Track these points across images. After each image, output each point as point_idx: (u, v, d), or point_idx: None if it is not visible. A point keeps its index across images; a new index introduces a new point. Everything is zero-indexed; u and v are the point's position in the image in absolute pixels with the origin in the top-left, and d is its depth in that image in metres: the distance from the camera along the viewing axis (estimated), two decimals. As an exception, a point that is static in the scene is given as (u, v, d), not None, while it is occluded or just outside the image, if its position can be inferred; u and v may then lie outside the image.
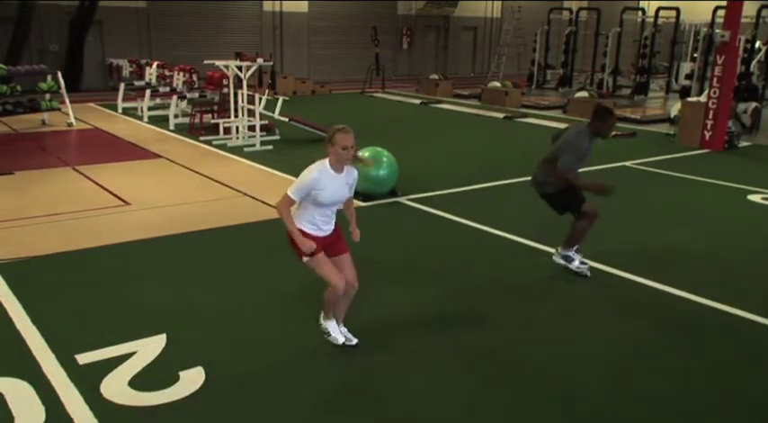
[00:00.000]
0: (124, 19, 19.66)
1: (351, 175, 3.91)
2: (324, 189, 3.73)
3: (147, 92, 13.57)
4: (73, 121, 12.50)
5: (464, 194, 8.05)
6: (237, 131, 11.11)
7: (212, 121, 11.91)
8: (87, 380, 3.67)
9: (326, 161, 3.81)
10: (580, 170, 5.26)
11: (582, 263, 5.45)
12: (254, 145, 10.65)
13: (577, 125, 5.38)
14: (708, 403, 3.66)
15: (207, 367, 3.83)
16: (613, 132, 12.62)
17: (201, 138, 11.30)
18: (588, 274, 5.40)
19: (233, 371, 3.84)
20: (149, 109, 13.53)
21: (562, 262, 5.48)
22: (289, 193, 3.74)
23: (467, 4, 27.16)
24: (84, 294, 4.87)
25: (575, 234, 5.38)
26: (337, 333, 4.11)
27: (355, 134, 3.81)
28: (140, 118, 13.48)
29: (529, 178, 5.66)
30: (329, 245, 3.93)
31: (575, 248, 5.45)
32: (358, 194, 7.59)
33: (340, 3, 23.54)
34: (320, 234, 3.87)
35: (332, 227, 3.94)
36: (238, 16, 21.92)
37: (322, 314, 4.14)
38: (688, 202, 8.04)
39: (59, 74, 12.53)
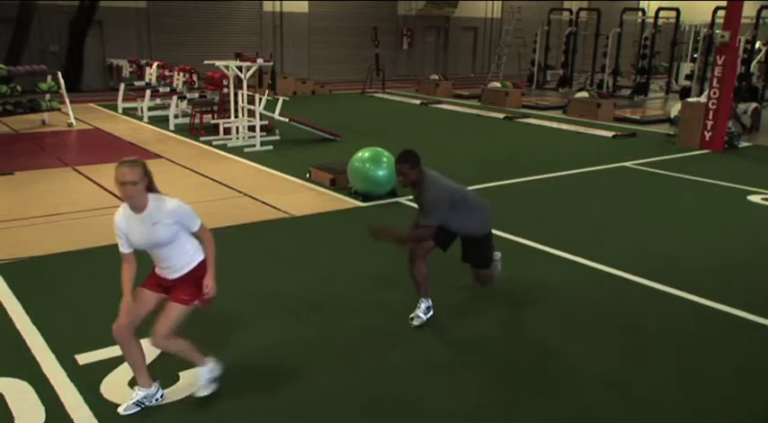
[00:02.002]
0: (124, 19, 19.66)
1: (159, 213, 3.23)
2: (129, 234, 3.27)
3: (148, 92, 13.56)
4: (73, 121, 12.50)
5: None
6: (237, 132, 11.11)
7: (212, 122, 11.91)
8: (87, 380, 3.67)
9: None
10: None
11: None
12: (254, 145, 10.65)
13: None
14: (708, 404, 3.66)
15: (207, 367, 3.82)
16: (613, 133, 12.72)
17: (201, 138, 11.30)
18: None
19: (233, 371, 3.84)
20: (149, 109, 13.53)
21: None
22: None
23: (467, 4, 27.16)
24: (84, 294, 4.87)
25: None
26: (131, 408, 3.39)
27: (141, 169, 3.17)
28: (140, 118, 13.49)
29: (530, 178, 5.64)
30: (170, 287, 3.42)
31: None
32: (358, 194, 7.61)
33: (340, 3, 23.55)
34: (161, 275, 3.42)
35: (171, 273, 3.37)
36: (238, 16, 21.92)
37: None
38: (688, 203, 8.04)
39: (59, 74, 12.53)
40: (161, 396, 3.51)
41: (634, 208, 7.66)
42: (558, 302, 4.96)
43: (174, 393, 3.58)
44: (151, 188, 3.27)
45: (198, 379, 3.53)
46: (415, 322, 4.46)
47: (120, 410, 3.38)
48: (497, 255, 5.00)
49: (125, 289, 3.33)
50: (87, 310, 4.62)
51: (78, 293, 4.89)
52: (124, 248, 3.33)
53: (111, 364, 3.83)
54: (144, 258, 3.39)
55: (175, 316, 3.34)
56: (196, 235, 3.43)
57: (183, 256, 3.37)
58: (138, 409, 3.40)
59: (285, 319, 4.57)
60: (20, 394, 3.53)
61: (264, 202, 7.40)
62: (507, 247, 6.16)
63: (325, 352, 4.09)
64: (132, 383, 3.56)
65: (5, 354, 3.98)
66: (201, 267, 3.42)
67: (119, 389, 3.58)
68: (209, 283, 3.39)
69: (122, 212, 3.29)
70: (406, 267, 4.56)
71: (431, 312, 4.56)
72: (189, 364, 3.83)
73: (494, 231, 6.49)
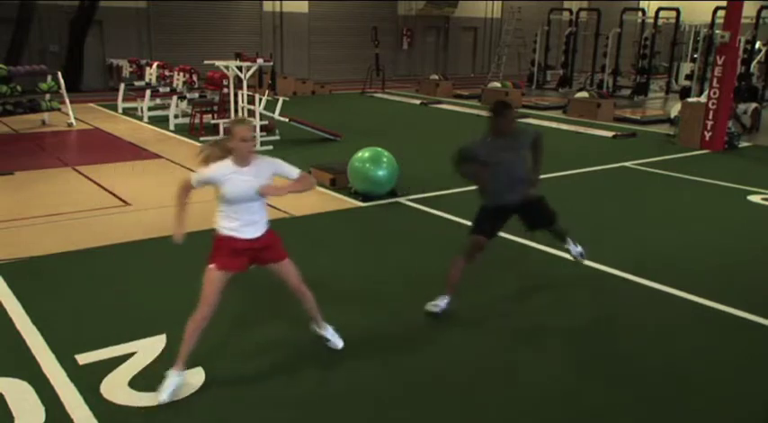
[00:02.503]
0: (124, 19, 19.66)
1: (261, 168, 3.62)
2: (226, 184, 3.55)
3: (148, 92, 13.56)
4: (73, 121, 12.50)
5: (464, 195, 8.03)
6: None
7: (212, 122, 11.91)
8: (87, 380, 3.67)
9: (229, 158, 3.60)
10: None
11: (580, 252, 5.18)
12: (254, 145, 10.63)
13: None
14: (708, 404, 3.66)
15: (207, 367, 3.83)
16: (613, 133, 12.72)
17: (202, 138, 11.29)
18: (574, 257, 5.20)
19: (233, 371, 3.84)
20: (149, 109, 13.53)
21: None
22: (190, 177, 3.68)
23: (467, 4, 27.16)
24: (85, 294, 4.87)
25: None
26: (169, 390, 3.50)
27: (252, 126, 3.65)
28: (140, 118, 13.49)
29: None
30: (260, 250, 3.69)
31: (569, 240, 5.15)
32: (358, 194, 7.61)
33: (340, 3, 23.54)
34: (243, 237, 3.62)
35: (258, 229, 3.67)
36: (238, 16, 21.92)
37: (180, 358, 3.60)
38: (688, 203, 8.04)
39: (59, 74, 12.53)
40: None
41: (634, 208, 7.66)
42: (557, 302, 4.96)
43: (174, 393, 3.58)
44: None
45: (329, 335, 4.02)
46: (431, 308, 4.58)
47: (163, 397, 3.46)
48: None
49: (179, 211, 3.78)
50: (87, 310, 4.62)
51: (78, 293, 4.89)
52: (195, 182, 3.67)
53: (111, 364, 3.83)
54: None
55: (293, 268, 3.80)
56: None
57: (265, 209, 3.71)
58: (174, 391, 3.51)
59: (284, 319, 4.57)
60: (20, 394, 3.53)
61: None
62: (507, 248, 6.17)
63: (324, 352, 4.09)
64: (132, 383, 3.57)
65: (5, 354, 3.98)
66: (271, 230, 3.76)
67: (119, 389, 3.58)
68: (272, 188, 3.66)
69: (226, 165, 3.57)
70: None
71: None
72: (189, 364, 3.83)
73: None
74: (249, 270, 3.79)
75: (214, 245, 3.66)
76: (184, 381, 3.60)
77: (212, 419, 3.40)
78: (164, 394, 3.47)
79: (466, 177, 4.73)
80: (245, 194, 3.57)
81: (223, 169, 3.57)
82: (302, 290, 3.87)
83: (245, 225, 3.63)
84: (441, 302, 4.60)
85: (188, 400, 3.54)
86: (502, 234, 6.46)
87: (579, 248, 5.20)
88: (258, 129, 10.65)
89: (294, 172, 3.74)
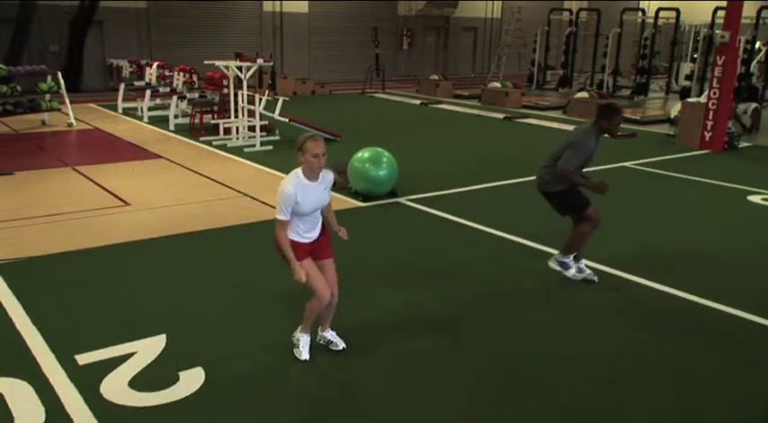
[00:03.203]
0: (124, 19, 19.67)
1: (326, 179, 3.83)
2: (302, 201, 3.68)
3: (148, 92, 13.57)
4: (73, 121, 12.50)
5: (464, 195, 8.05)
6: (237, 132, 11.11)
7: (212, 122, 11.92)
8: (87, 380, 3.67)
9: (299, 171, 3.75)
10: (587, 170, 5.23)
11: (579, 270, 5.34)
12: (254, 145, 10.65)
13: (584, 124, 5.28)
14: (708, 404, 3.66)
15: (207, 367, 3.83)
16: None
17: (201, 138, 11.30)
18: (595, 279, 5.31)
19: (233, 371, 3.84)
20: (149, 109, 13.54)
21: (557, 268, 5.37)
22: (277, 217, 3.72)
23: (467, 4, 27.17)
24: (84, 294, 4.87)
25: (574, 239, 5.27)
26: (306, 349, 3.99)
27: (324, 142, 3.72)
28: (140, 118, 13.49)
29: (530, 178, 5.65)
30: (315, 248, 3.90)
31: (572, 256, 5.33)
32: (358, 195, 7.62)
33: (340, 3, 23.55)
34: (306, 241, 3.84)
35: (317, 232, 3.91)
36: (238, 16, 21.93)
37: (301, 326, 4.03)
38: (688, 203, 8.04)
39: (59, 74, 12.53)
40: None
41: (634, 208, 7.66)
42: (557, 302, 4.96)
43: (174, 393, 3.58)
44: None
45: (331, 337, 4.13)
46: (553, 265, 5.35)
47: (305, 355, 3.93)
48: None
49: (290, 254, 3.75)
50: (87, 310, 4.62)
51: (78, 293, 4.89)
52: (286, 216, 3.72)
53: (111, 364, 3.83)
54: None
55: (334, 268, 4.00)
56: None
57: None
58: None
59: (284, 319, 4.57)
60: (20, 394, 3.53)
61: (264, 203, 7.40)
62: (507, 248, 6.17)
63: (324, 352, 4.09)
64: (132, 383, 3.57)
65: (5, 354, 3.98)
66: (327, 228, 4.01)
67: (119, 389, 3.58)
68: (343, 230, 4.07)
69: (296, 183, 3.69)
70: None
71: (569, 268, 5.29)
72: (189, 364, 3.84)
73: (494, 231, 6.54)
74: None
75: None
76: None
77: (212, 419, 3.40)
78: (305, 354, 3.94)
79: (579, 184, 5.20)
80: (320, 205, 3.81)
81: (296, 184, 3.71)
82: (333, 291, 3.97)
83: (310, 232, 3.87)
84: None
85: (188, 400, 3.54)
86: (502, 234, 6.48)
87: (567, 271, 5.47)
88: (258, 129, 10.66)
89: (329, 193, 3.95)
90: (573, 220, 5.32)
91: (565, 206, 5.32)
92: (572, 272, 5.33)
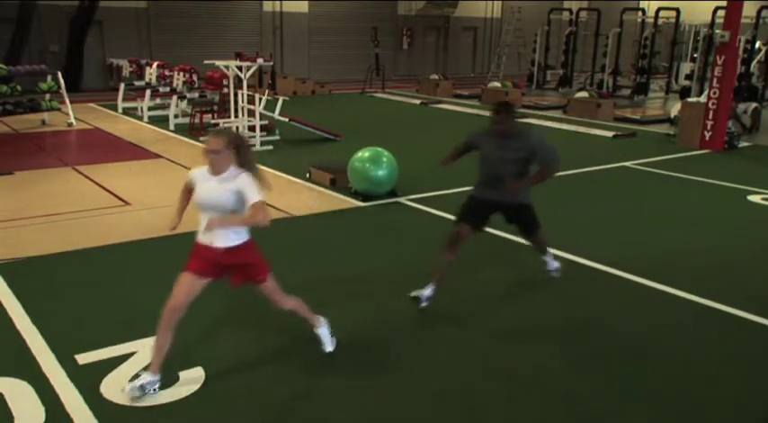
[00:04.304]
0: (124, 19, 19.66)
1: (232, 180, 3.50)
2: (197, 191, 3.59)
3: (147, 92, 13.56)
4: (73, 121, 12.50)
5: (464, 195, 7.98)
6: (237, 132, 11.10)
7: (212, 122, 11.91)
8: (87, 380, 3.67)
9: None
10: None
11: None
12: (254, 145, 10.65)
13: (528, 129, 4.95)
14: (708, 404, 3.66)
15: (207, 367, 3.83)
16: (613, 133, 12.72)
17: (202, 138, 11.29)
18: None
19: (233, 371, 3.84)
20: (149, 109, 13.53)
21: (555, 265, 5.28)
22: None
23: (467, 4, 27.16)
24: (84, 294, 4.87)
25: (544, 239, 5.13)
26: (328, 339, 4.00)
27: (226, 140, 3.52)
28: (140, 118, 13.49)
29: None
30: (226, 269, 3.62)
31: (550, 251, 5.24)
32: (358, 194, 7.61)
33: (340, 3, 23.54)
34: (201, 241, 3.59)
35: (215, 240, 3.54)
36: (238, 16, 21.92)
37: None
38: (688, 203, 8.04)
39: (59, 74, 12.53)
40: (156, 389, 3.56)
41: (634, 208, 7.66)
42: (557, 302, 4.96)
43: (174, 393, 3.58)
44: (240, 159, 3.54)
45: (321, 338, 3.97)
46: (415, 293, 4.71)
47: (126, 390, 3.49)
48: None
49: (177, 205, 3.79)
50: (87, 309, 4.62)
51: (78, 293, 4.89)
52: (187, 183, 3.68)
53: (111, 364, 3.84)
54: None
55: (273, 287, 3.77)
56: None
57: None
58: (141, 393, 3.49)
59: (284, 319, 4.57)
60: (20, 394, 3.53)
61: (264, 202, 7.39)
62: (507, 248, 6.17)
63: (322, 352, 4.09)
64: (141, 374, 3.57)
65: (5, 354, 3.98)
66: (249, 245, 3.67)
67: (119, 389, 3.58)
68: (220, 221, 3.49)
69: (201, 171, 3.62)
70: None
71: (427, 302, 4.71)
72: (189, 364, 3.84)
73: (493, 232, 6.52)
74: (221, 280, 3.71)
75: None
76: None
77: (212, 419, 3.40)
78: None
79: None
80: (208, 201, 3.54)
81: (199, 173, 3.63)
82: (287, 305, 3.85)
83: (203, 231, 3.59)
84: (425, 291, 4.69)
85: (188, 400, 3.54)
86: (501, 234, 6.48)
87: (557, 264, 5.28)
88: (258, 129, 10.66)
89: (253, 198, 3.49)
90: (531, 234, 5.06)
91: (534, 217, 4.97)
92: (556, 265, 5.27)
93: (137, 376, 3.59)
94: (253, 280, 3.70)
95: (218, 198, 3.52)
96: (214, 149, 3.50)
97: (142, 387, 3.49)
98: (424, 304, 4.68)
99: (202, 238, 3.58)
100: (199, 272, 3.57)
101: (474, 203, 4.83)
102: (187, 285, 3.57)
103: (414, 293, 4.73)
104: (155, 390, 3.54)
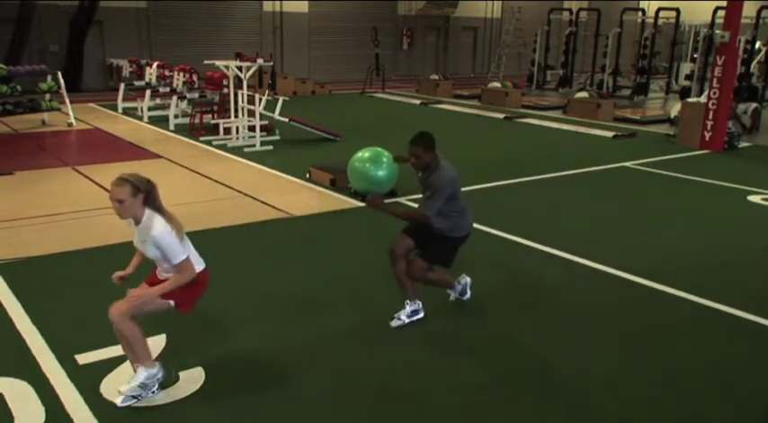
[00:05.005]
0: (124, 19, 19.66)
1: (145, 230, 3.40)
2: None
3: (147, 92, 13.56)
4: (73, 121, 12.50)
5: (463, 195, 8.03)
6: (237, 132, 11.11)
7: (212, 122, 11.91)
8: (87, 380, 3.67)
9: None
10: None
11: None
12: (254, 145, 10.65)
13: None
14: (708, 404, 3.66)
15: (207, 367, 3.83)
16: (613, 133, 12.73)
17: (201, 138, 11.30)
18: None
19: (233, 371, 3.84)
20: (149, 109, 13.53)
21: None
22: None
23: (467, 4, 27.15)
24: (84, 294, 4.87)
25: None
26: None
27: (131, 187, 3.34)
28: (140, 118, 13.48)
29: (530, 178, 5.63)
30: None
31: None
32: (358, 194, 7.61)
33: (340, 3, 23.54)
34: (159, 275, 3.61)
35: (159, 274, 3.59)
36: (238, 16, 21.92)
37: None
38: (688, 203, 8.04)
39: (59, 74, 12.53)
40: (156, 390, 3.54)
41: (634, 208, 7.66)
42: (557, 302, 4.96)
43: (174, 393, 3.58)
44: (152, 203, 3.41)
45: (133, 379, 3.46)
46: (394, 323, 4.42)
47: (120, 402, 3.44)
48: (467, 280, 4.85)
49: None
50: (87, 310, 4.61)
51: (78, 293, 4.89)
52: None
53: (111, 364, 3.83)
54: (145, 259, 3.39)
55: (145, 295, 3.39)
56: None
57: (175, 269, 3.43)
58: (137, 400, 3.46)
59: (283, 318, 4.57)
60: (20, 394, 3.53)
61: (264, 202, 7.40)
62: (507, 247, 6.17)
63: (323, 352, 4.09)
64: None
65: (5, 354, 3.98)
66: (198, 279, 3.50)
67: (119, 389, 3.57)
68: (141, 292, 3.41)
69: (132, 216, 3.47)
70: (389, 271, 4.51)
71: (419, 316, 4.50)
72: (189, 364, 3.84)
73: (494, 231, 6.52)
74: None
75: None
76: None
77: (212, 419, 3.40)
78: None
79: None
80: (140, 249, 3.55)
81: (132, 223, 3.53)
82: (114, 313, 3.39)
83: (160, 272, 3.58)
84: (404, 316, 4.45)
85: (188, 400, 3.54)
86: (502, 234, 6.48)
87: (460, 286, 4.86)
88: (258, 129, 10.66)
89: (176, 257, 3.37)
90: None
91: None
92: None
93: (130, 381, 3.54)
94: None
95: (147, 252, 3.48)
96: (119, 199, 3.31)
97: (135, 396, 3.47)
98: (401, 322, 4.43)
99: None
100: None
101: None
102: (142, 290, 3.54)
103: (393, 323, 4.43)
104: (154, 391, 3.53)
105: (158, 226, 3.36)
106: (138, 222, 3.42)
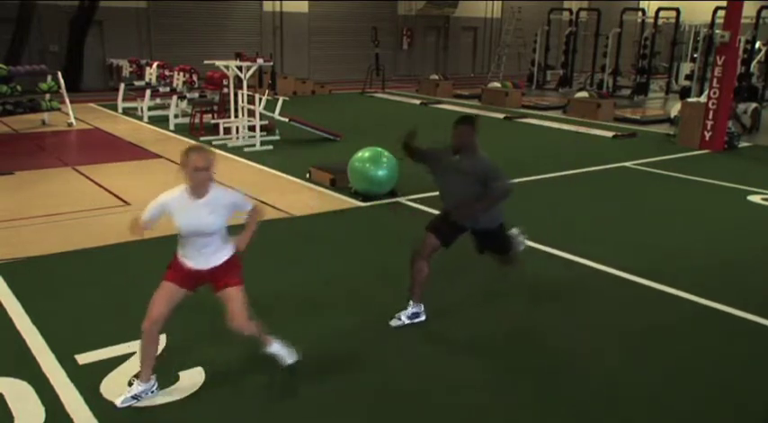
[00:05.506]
0: (124, 19, 19.66)
1: (215, 201, 3.37)
2: (178, 219, 3.36)
3: (148, 92, 13.56)
4: (73, 121, 12.49)
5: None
6: (237, 132, 11.11)
7: (212, 122, 11.91)
8: (87, 380, 3.67)
9: (185, 186, 3.38)
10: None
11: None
12: (254, 145, 10.65)
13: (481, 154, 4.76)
14: (708, 404, 3.66)
15: (207, 367, 3.83)
16: (613, 133, 12.73)
17: (201, 138, 11.29)
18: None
19: (233, 371, 3.84)
20: (149, 109, 13.53)
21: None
22: (141, 215, 3.45)
23: (467, 4, 27.15)
24: (84, 294, 4.87)
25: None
26: (144, 391, 3.48)
27: (212, 156, 3.33)
28: (140, 118, 13.48)
29: (530, 178, 5.63)
30: (203, 279, 3.53)
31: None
32: (358, 194, 7.61)
33: (340, 3, 23.53)
34: (185, 265, 3.49)
35: (201, 263, 3.47)
36: (238, 16, 21.91)
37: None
38: (688, 203, 8.04)
39: (59, 74, 12.52)
40: (155, 390, 3.55)
41: (634, 208, 7.66)
42: (557, 302, 4.96)
43: (174, 393, 3.58)
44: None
45: (278, 356, 3.68)
46: (394, 323, 4.42)
47: (118, 402, 3.43)
48: (515, 230, 4.95)
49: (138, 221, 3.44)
50: (87, 309, 4.62)
51: (78, 293, 4.89)
52: (145, 216, 3.44)
53: (111, 364, 3.84)
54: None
55: (242, 299, 3.51)
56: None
57: (220, 242, 3.49)
58: (135, 401, 3.46)
59: (283, 318, 4.57)
60: (20, 394, 3.53)
61: (264, 202, 7.39)
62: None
63: (322, 352, 4.09)
64: (132, 384, 3.56)
65: (5, 354, 3.98)
66: (234, 257, 3.57)
67: (119, 389, 3.57)
68: (241, 243, 3.61)
69: (177, 196, 3.37)
70: (407, 266, 4.54)
71: (419, 319, 4.49)
72: (188, 364, 3.84)
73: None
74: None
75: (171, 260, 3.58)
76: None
77: (212, 419, 3.40)
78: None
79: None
80: (197, 229, 3.36)
81: (172, 199, 3.38)
82: (242, 325, 3.51)
83: (191, 258, 3.48)
84: (405, 317, 4.44)
85: (188, 400, 3.54)
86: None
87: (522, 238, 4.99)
88: (258, 129, 10.66)
89: (248, 205, 3.61)
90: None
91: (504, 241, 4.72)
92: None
93: (130, 384, 3.55)
94: (227, 282, 3.50)
95: (208, 227, 3.37)
96: (204, 167, 3.26)
97: (136, 397, 3.47)
98: (401, 322, 4.43)
99: (189, 264, 3.49)
100: (179, 282, 3.48)
101: (443, 214, 4.60)
102: (167, 296, 3.46)
103: (393, 322, 4.42)
104: (153, 391, 3.54)
105: (228, 189, 3.45)
106: (202, 196, 3.34)
